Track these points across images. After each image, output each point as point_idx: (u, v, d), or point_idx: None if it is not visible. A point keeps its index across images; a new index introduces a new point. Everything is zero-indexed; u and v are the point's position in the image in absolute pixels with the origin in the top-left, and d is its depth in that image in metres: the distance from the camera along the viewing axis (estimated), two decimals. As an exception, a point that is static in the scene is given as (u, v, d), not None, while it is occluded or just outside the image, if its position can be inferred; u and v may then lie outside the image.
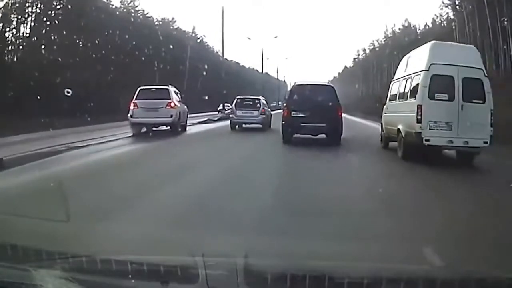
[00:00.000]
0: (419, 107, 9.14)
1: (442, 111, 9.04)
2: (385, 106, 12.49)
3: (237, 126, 19.52)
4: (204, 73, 44.94)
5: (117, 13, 39.70)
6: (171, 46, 42.98)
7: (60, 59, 29.61)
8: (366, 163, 9.03)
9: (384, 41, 57.83)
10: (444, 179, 7.82)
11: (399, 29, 55.26)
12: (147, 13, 45.94)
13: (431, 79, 9.12)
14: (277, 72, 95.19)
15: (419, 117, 9.10)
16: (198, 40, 55.75)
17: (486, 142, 8.95)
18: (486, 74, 9.28)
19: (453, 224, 4.87)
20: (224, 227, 4.46)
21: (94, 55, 32.17)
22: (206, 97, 37.86)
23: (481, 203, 6.05)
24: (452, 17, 45.04)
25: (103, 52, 33.78)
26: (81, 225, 4.22)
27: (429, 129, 9.06)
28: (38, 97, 19.74)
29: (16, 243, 2.60)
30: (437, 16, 49.65)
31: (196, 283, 1.89)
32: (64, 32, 32.87)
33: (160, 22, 48.59)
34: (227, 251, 3.00)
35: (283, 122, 13.54)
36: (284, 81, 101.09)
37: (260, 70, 63.53)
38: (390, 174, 8.53)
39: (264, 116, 19.66)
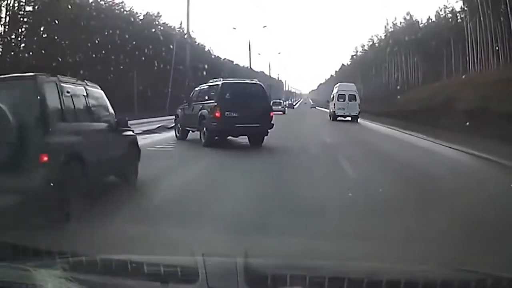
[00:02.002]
0: (334, 104, 29.64)
1: (341, 104, 28.75)
2: (330, 103, 31.91)
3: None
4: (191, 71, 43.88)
5: (94, 5, 38.30)
6: (155, 42, 41.32)
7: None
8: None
9: (385, 36, 57.15)
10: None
11: (401, 23, 54.53)
12: (131, 8, 44.38)
13: (338, 95, 29.50)
14: (269, 68, 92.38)
15: (334, 106, 29.52)
16: (186, 36, 54.16)
17: (356, 114, 28.31)
18: (357, 93, 30.04)
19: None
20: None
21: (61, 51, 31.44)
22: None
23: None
24: (461, 6, 43.68)
25: (73, 48, 32.99)
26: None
27: (338, 110, 28.89)
28: None
29: (16, 243, 2.62)
30: (441, 9, 48.64)
31: (196, 283, 1.92)
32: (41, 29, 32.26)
33: (144, 16, 46.65)
34: (227, 251, 3.00)
35: (214, 124, 12.52)
36: (278, 78, 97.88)
37: (254, 68, 62.24)
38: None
39: (283, 108, 43.91)
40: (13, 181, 4.76)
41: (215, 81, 14.05)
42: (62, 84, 5.68)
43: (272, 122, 13.22)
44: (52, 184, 4.81)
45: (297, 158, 10.69)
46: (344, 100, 28.69)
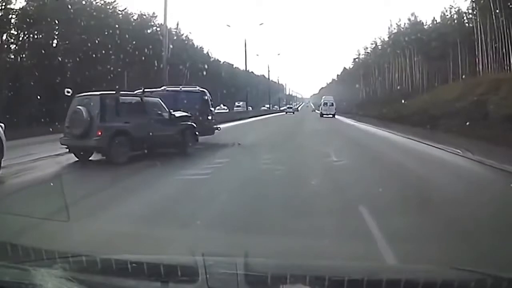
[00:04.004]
0: (320, 108, 51.81)
1: (325, 108, 48.94)
2: (319, 107, 56.49)
3: (286, 113, 61.84)
4: (188, 73, 43.43)
5: (84, 2, 37.78)
6: (150, 43, 40.62)
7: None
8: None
9: (388, 37, 56.90)
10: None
11: (404, 24, 54.27)
12: (125, 8, 43.63)
13: (323, 103, 51.03)
14: (268, 69, 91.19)
15: (321, 109, 50.75)
16: (183, 37, 53.73)
17: (334, 113, 47.14)
18: (334, 101, 50.01)
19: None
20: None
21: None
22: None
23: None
24: (468, 6, 43.10)
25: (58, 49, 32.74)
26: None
27: (323, 111, 48.60)
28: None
29: (16, 243, 2.65)
30: (446, 10, 48.26)
31: (196, 283, 1.96)
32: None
33: (138, 16, 45.80)
34: (227, 251, 3.03)
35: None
36: (278, 81, 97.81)
37: (253, 71, 62.17)
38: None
39: (293, 110, 68.78)
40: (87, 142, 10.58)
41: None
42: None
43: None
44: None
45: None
46: (326, 106, 49.35)
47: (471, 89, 25.98)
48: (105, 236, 4.61)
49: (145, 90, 12.47)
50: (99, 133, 10.45)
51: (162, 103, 12.10)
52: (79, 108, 10.65)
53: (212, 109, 16.13)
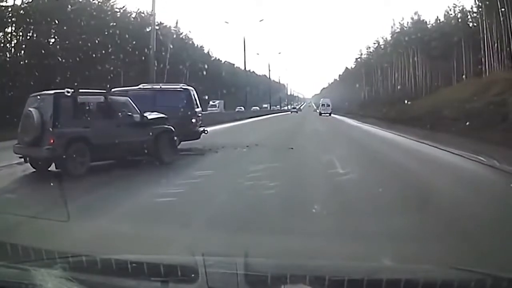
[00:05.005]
0: (319, 108, 64.35)
1: (322, 108, 60.03)
2: (318, 107, 70.90)
3: (291, 112, 72.48)
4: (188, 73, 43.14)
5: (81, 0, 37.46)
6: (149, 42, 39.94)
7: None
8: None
9: (391, 37, 56.84)
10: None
11: (408, 23, 54.18)
12: (123, 7, 43.37)
13: (321, 104, 63.45)
14: (269, 68, 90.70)
15: (319, 109, 62.96)
16: (183, 36, 53.45)
17: (330, 112, 56.76)
18: (330, 103, 60.48)
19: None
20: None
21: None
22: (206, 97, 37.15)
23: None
24: (473, 4, 42.90)
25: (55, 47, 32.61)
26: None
27: (321, 110, 59.25)
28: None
29: (16, 243, 2.67)
30: (450, 8, 48.02)
31: (196, 282, 1.98)
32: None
33: (136, 14, 45.21)
34: (227, 251, 3.04)
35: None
36: (280, 81, 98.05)
37: (254, 71, 62.14)
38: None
39: (297, 110, 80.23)
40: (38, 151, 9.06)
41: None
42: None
43: None
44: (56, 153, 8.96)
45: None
46: (324, 106, 58.85)
47: (483, 89, 24.28)
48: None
49: (113, 88, 11.09)
50: (52, 141, 8.90)
51: (132, 104, 10.41)
52: (30, 111, 9.13)
53: (198, 109, 14.31)
